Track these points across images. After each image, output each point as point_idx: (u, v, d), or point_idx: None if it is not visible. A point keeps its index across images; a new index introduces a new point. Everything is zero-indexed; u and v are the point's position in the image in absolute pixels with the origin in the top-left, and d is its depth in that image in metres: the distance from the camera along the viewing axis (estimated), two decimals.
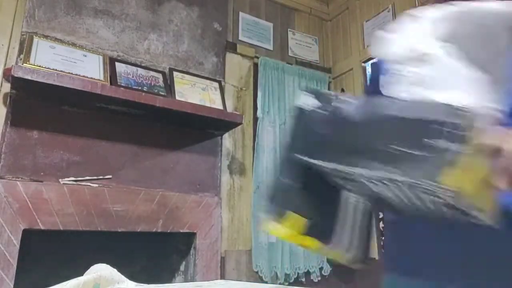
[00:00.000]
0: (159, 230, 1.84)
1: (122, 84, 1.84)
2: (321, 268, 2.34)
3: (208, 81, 2.17)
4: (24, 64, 1.61)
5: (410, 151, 0.33)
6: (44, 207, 1.58)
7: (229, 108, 2.22)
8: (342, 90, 2.71)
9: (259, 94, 2.40)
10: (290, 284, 2.19)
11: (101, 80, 1.77)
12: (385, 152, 0.34)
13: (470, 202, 0.34)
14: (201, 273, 1.92)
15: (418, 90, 0.40)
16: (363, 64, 2.54)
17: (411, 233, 0.61)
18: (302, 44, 2.74)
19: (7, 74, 1.61)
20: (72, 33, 1.85)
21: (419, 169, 0.33)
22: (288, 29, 2.71)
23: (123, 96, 1.75)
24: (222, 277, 2.00)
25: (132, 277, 0.63)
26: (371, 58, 2.42)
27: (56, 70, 1.67)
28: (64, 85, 1.60)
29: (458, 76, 0.39)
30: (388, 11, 2.45)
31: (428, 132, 0.33)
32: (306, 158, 0.40)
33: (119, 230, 1.74)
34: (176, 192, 1.93)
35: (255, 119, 2.37)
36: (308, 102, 0.40)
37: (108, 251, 1.83)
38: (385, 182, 0.35)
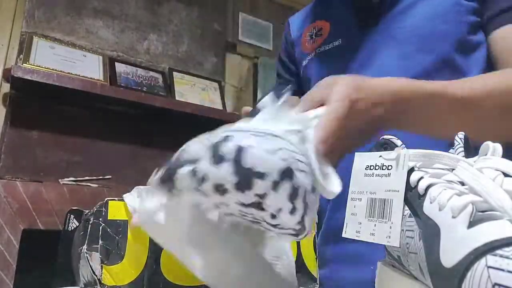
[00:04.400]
0: None
1: (121, 84, 1.84)
2: None
3: (207, 82, 2.17)
4: (23, 64, 1.61)
5: None
6: (43, 207, 1.57)
7: (229, 109, 2.22)
8: None
9: (259, 94, 2.40)
10: None
11: (100, 80, 1.77)
12: None
13: None
14: None
15: None
16: None
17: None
18: None
19: (7, 74, 1.61)
20: (72, 33, 1.84)
21: None
22: None
23: (123, 96, 1.75)
24: None
25: None
26: None
27: (55, 70, 1.67)
28: (64, 85, 1.60)
29: None
30: None
31: None
32: None
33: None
34: None
35: None
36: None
37: None
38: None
